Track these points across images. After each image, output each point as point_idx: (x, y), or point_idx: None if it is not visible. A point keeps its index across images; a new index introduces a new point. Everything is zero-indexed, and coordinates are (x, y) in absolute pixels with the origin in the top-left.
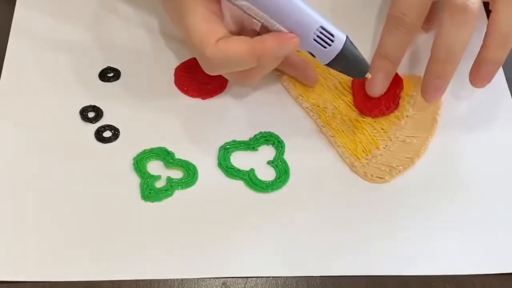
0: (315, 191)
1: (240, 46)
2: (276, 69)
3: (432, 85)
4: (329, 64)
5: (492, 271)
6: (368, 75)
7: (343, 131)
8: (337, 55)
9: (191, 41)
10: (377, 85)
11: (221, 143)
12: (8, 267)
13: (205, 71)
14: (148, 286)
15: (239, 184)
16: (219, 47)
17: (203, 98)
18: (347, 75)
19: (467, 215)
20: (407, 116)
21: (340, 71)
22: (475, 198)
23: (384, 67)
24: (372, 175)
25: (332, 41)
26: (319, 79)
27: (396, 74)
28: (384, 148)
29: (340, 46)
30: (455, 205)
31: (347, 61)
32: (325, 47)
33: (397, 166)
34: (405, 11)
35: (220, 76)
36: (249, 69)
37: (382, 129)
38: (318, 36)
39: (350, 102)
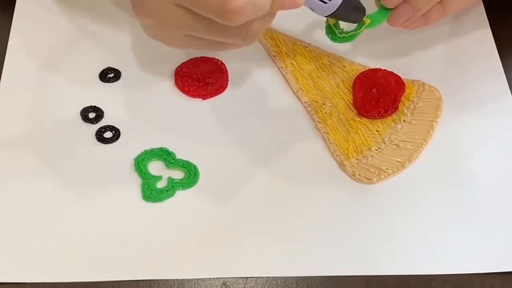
0: (315, 191)
1: None
2: (282, 61)
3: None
4: (327, 16)
5: (492, 270)
6: (366, 21)
7: (337, 129)
8: (337, 8)
9: None
10: None
11: (222, 142)
12: (9, 268)
13: (227, 20)
14: (148, 286)
15: (239, 185)
16: None
17: (203, 98)
18: (344, 21)
19: (467, 214)
20: (404, 121)
21: (338, 19)
22: (475, 197)
23: None
24: (360, 175)
25: None
26: (322, 75)
27: (399, 78)
28: (377, 150)
29: (339, 1)
30: (455, 205)
31: (345, 12)
32: (325, 3)
33: (387, 169)
34: None
35: (220, 76)
36: (254, 21)
37: (377, 131)
38: None
39: (350, 102)
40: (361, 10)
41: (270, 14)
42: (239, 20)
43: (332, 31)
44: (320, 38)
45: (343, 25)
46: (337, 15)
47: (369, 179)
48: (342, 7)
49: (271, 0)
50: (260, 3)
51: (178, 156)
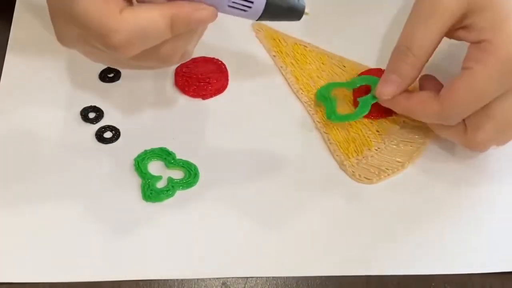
0: (315, 191)
1: (150, 12)
2: (282, 61)
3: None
4: (259, 20)
5: (492, 270)
6: (307, 13)
7: (337, 129)
8: (262, 13)
9: (86, 25)
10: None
11: (222, 142)
12: (8, 268)
13: (112, 63)
14: (148, 286)
15: (240, 185)
16: (126, 18)
17: (203, 98)
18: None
19: (467, 214)
20: (404, 121)
21: (275, 20)
22: (475, 197)
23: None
24: (360, 175)
25: (251, 2)
26: (322, 75)
27: None
28: (376, 150)
29: (262, 7)
30: (455, 205)
31: (277, 13)
32: (245, 11)
33: (387, 169)
34: (410, 45)
35: (220, 76)
36: (161, 45)
37: (377, 131)
38: (233, 1)
39: (350, 102)
40: (296, 4)
41: (181, 36)
42: (130, 52)
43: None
44: (320, 38)
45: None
46: (268, 17)
47: (369, 179)
48: (268, 12)
49: (169, 24)
50: (152, 31)
51: (178, 156)
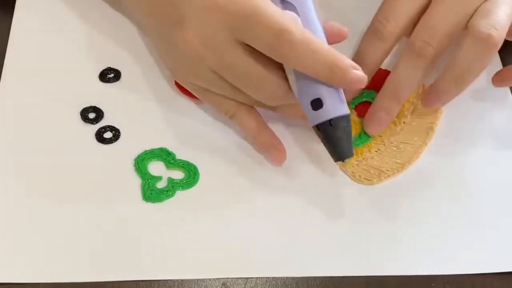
0: (315, 192)
1: (321, 42)
2: None
3: (376, 117)
4: (314, 128)
5: (492, 270)
6: (347, 161)
7: None
8: (320, 122)
9: (265, 24)
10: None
11: (222, 142)
12: (9, 269)
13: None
14: (148, 286)
15: (240, 185)
16: (305, 30)
17: None
18: (327, 149)
19: (467, 215)
20: (404, 123)
21: (322, 141)
22: (475, 197)
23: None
24: (360, 176)
25: (321, 104)
26: None
27: None
28: (376, 152)
29: (324, 119)
30: (455, 205)
31: (328, 136)
32: (315, 110)
33: (387, 170)
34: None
35: None
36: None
37: None
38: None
39: (350, 104)
40: (347, 148)
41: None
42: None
43: None
44: None
45: None
46: (320, 131)
47: (369, 180)
48: (324, 127)
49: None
50: (315, 53)
51: (178, 156)
